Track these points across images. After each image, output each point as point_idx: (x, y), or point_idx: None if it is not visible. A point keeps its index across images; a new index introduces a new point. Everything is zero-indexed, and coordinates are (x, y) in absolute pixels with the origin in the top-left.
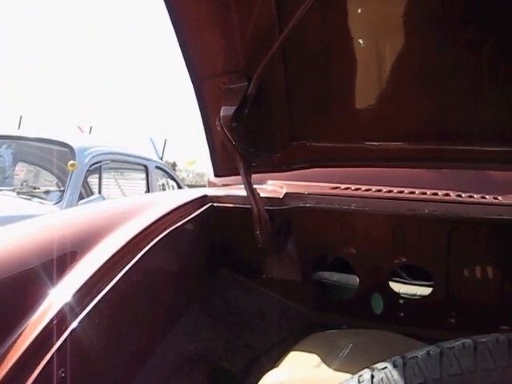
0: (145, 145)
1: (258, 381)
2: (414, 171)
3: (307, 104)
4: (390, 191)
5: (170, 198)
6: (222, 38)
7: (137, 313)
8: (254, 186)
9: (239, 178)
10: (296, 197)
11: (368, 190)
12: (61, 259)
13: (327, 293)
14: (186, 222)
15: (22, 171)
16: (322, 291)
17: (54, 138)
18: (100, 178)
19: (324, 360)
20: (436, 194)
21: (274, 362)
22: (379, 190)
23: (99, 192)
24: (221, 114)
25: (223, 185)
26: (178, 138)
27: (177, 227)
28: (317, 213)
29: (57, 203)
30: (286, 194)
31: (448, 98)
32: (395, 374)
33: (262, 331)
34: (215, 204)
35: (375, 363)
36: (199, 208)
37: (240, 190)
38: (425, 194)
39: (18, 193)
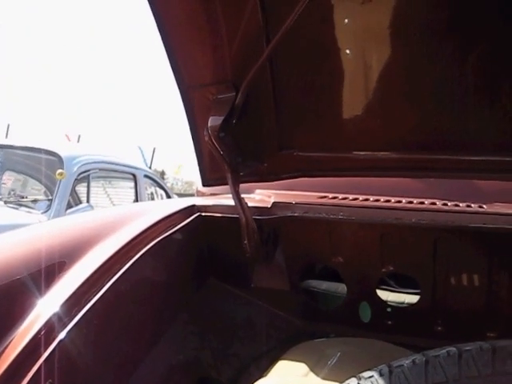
0: (134, 153)
1: None
2: (401, 180)
3: (295, 114)
4: (377, 200)
5: (158, 208)
6: (210, 49)
7: (125, 323)
8: (242, 196)
9: (227, 187)
10: (284, 206)
11: (355, 199)
12: (49, 269)
13: (316, 301)
14: (174, 232)
15: (9, 180)
16: (311, 300)
17: (42, 147)
18: (88, 187)
19: (312, 369)
20: (422, 203)
21: (262, 371)
22: (366, 199)
23: (87, 201)
24: (209, 124)
25: (212, 194)
26: (166, 146)
27: (165, 237)
28: (304, 222)
29: (45, 212)
30: (273, 203)
31: (434, 108)
32: (381, 383)
33: (250, 340)
34: (203, 213)
35: (362, 372)
36: (187, 218)
37: (228, 200)
38: (411, 202)
39: (6, 202)
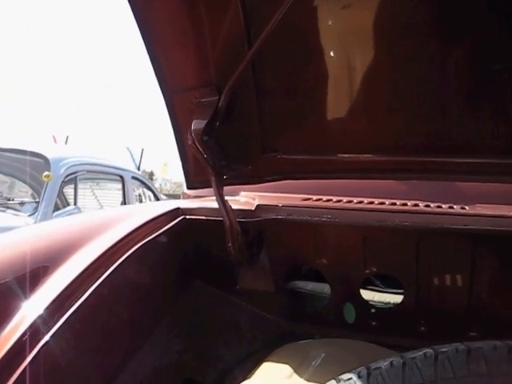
0: (122, 154)
1: None
2: (385, 182)
3: (278, 117)
4: (361, 202)
5: (143, 211)
6: (193, 53)
7: (109, 327)
8: (228, 198)
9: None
10: (268, 209)
11: (339, 201)
12: (32, 274)
13: (302, 302)
14: (158, 235)
15: None
16: (297, 301)
17: (29, 149)
18: (76, 189)
19: (296, 370)
20: (405, 205)
21: (246, 374)
22: (350, 201)
23: (75, 203)
24: (192, 128)
25: (197, 196)
26: (155, 147)
27: (149, 240)
28: (288, 224)
29: (31, 215)
30: (257, 205)
31: (418, 111)
32: None
33: (235, 343)
34: (188, 216)
35: (341, 374)
36: (172, 221)
37: (213, 202)
38: (394, 204)
39: None
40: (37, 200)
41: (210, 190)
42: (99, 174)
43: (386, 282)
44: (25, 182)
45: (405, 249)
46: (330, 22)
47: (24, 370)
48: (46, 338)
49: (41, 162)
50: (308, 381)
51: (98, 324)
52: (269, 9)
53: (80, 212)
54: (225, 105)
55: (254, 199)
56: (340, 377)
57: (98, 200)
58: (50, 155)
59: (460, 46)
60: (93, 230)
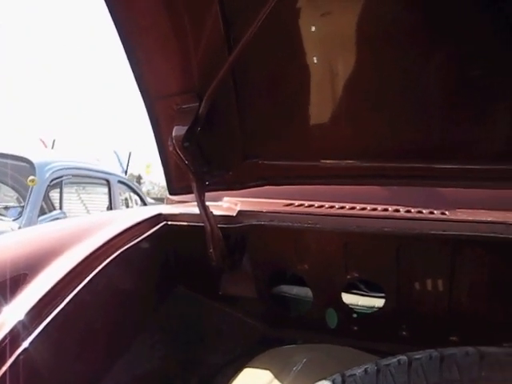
0: (110, 158)
1: None
2: (368, 188)
3: (259, 123)
4: (343, 207)
5: (124, 217)
6: (174, 60)
7: (89, 334)
8: (210, 204)
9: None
10: (249, 214)
11: (321, 206)
12: (12, 281)
13: (285, 307)
14: (139, 241)
15: None
16: (280, 306)
17: (14, 153)
18: (61, 194)
19: (277, 376)
20: (386, 210)
21: (228, 380)
22: (332, 207)
23: (60, 207)
24: (173, 134)
25: (181, 201)
26: (143, 150)
27: (130, 246)
28: (270, 230)
29: (16, 219)
30: (239, 211)
31: (399, 116)
32: None
33: (218, 348)
34: (169, 222)
35: (317, 381)
36: (153, 227)
37: (195, 208)
38: (375, 210)
39: None
40: (22, 204)
41: (194, 196)
42: (85, 178)
43: (370, 286)
44: (10, 187)
45: (385, 254)
46: (310, 29)
47: (2, 378)
48: (25, 345)
49: (26, 167)
50: None
51: (78, 331)
52: (248, 16)
53: (65, 216)
54: (205, 111)
55: (236, 205)
56: None
57: (84, 204)
58: (35, 159)
59: (441, 51)
60: (73, 236)
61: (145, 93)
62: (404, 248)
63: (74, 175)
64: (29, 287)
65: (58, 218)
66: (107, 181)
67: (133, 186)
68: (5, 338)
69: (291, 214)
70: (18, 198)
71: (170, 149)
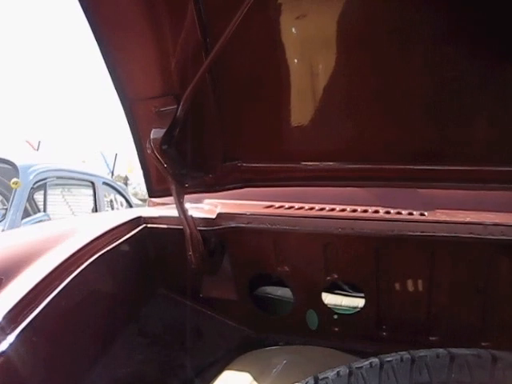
0: (96, 159)
1: None
2: (349, 189)
3: (239, 125)
4: (322, 209)
5: (104, 220)
6: (151, 62)
7: (67, 337)
8: (191, 206)
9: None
10: (228, 217)
11: (300, 208)
12: None
13: (267, 309)
14: (119, 244)
15: None
16: (262, 308)
17: None
18: (45, 196)
19: (257, 378)
20: (366, 212)
21: (208, 382)
22: (311, 209)
23: (44, 210)
24: (151, 137)
25: (163, 204)
26: (130, 151)
27: (109, 250)
28: (249, 232)
29: None
30: (218, 214)
31: (379, 118)
32: None
33: (198, 351)
34: (149, 225)
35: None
36: (133, 229)
37: (176, 210)
38: (355, 211)
39: None
40: (5, 207)
41: None
42: (70, 179)
43: (354, 287)
44: None
45: (365, 255)
46: (287, 31)
47: None
48: (1, 349)
49: (9, 169)
50: None
51: (55, 335)
52: (224, 18)
53: (49, 219)
54: (183, 114)
55: (216, 207)
56: None
57: (69, 206)
58: (18, 162)
59: (419, 53)
60: (51, 240)
61: (122, 95)
62: (383, 249)
63: (58, 177)
64: (4, 292)
65: (41, 221)
66: (92, 182)
67: (118, 187)
68: None
69: (270, 216)
70: (1, 201)
71: (149, 151)
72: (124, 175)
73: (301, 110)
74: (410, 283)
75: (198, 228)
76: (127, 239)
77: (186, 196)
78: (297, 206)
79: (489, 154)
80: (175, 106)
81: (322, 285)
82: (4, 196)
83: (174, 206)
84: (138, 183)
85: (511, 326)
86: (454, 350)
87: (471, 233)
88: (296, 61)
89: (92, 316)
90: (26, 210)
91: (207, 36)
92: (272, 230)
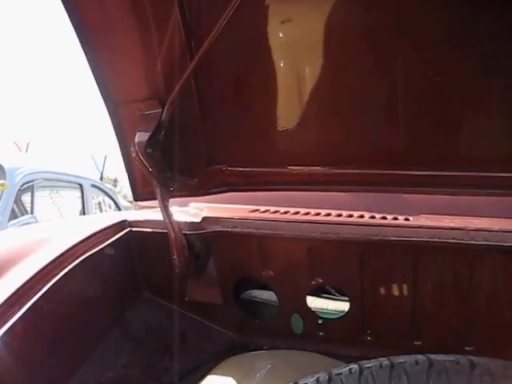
0: (86, 161)
1: None
2: (335, 194)
3: (224, 129)
4: (307, 213)
5: (88, 224)
6: (136, 66)
7: (49, 341)
8: (177, 210)
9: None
10: (213, 221)
11: (286, 212)
12: None
13: (252, 313)
14: (103, 248)
15: None
16: (247, 312)
17: None
18: (32, 198)
19: (240, 382)
20: (351, 216)
21: None
22: (297, 213)
23: (31, 212)
24: (135, 141)
25: (150, 207)
26: (119, 154)
27: (93, 253)
28: (233, 236)
29: None
30: (203, 218)
31: (365, 122)
32: None
33: (183, 355)
34: (134, 229)
35: None
36: (117, 233)
37: (161, 214)
38: (340, 216)
39: None
40: None
41: None
42: (57, 182)
43: (340, 290)
44: None
45: (349, 260)
46: (270, 36)
47: None
48: None
49: None
50: None
51: (36, 340)
52: (208, 23)
53: (36, 221)
54: (168, 117)
55: (201, 211)
56: None
57: (57, 208)
58: (5, 163)
59: (403, 57)
60: (34, 243)
61: (107, 98)
62: (367, 254)
63: (45, 179)
64: None
65: (28, 223)
66: (80, 185)
67: (106, 189)
68: None
69: (255, 220)
70: None
71: (133, 155)
72: (113, 177)
73: (286, 114)
74: (394, 288)
75: (183, 232)
76: (112, 243)
77: (173, 200)
78: (282, 210)
79: (473, 159)
80: (160, 110)
81: (306, 289)
82: None
83: (157, 209)
84: (127, 185)
85: (494, 330)
86: (432, 357)
87: (454, 238)
88: (281, 65)
89: (75, 320)
90: (13, 211)
91: (192, 40)
92: (257, 234)
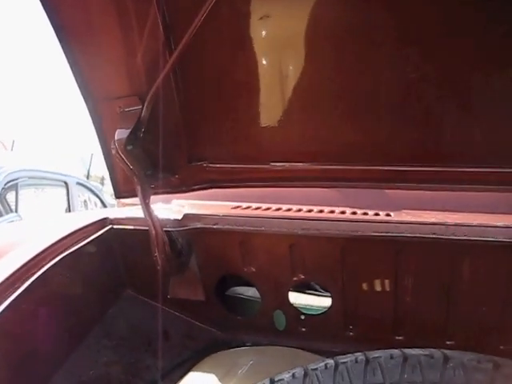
0: (73, 159)
1: None
2: (317, 190)
3: (205, 126)
4: (289, 210)
5: (69, 221)
6: (115, 62)
7: (31, 340)
8: (159, 206)
9: (151, 197)
10: (194, 218)
11: (268, 208)
12: None
13: (235, 310)
14: (84, 245)
15: None
16: (230, 308)
17: None
18: (17, 196)
19: (222, 379)
20: (333, 212)
21: None
22: (278, 209)
23: (16, 210)
24: (115, 138)
25: (133, 204)
26: None
27: (74, 251)
28: (215, 233)
29: None
30: (185, 214)
31: (347, 118)
32: None
33: (165, 352)
34: (115, 226)
35: None
36: (98, 230)
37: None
38: (322, 212)
39: None
40: None
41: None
42: (42, 179)
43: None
44: None
45: (330, 256)
46: (249, 32)
47: None
48: None
49: None
50: None
51: (16, 338)
52: (187, 18)
53: (21, 219)
54: (148, 114)
55: (183, 208)
56: None
57: (42, 206)
58: None
59: (380, 56)
60: (13, 242)
61: (86, 95)
62: (348, 249)
63: (30, 177)
64: None
65: (13, 221)
66: (65, 182)
67: (92, 187)
68: None
69: (237, 216)
70: None
71: (113, 152)
72: (101, 175)
73: (268, 110)
74: (375, 283)
75: (165, 229)
76: (92, 240)
77: (155, 197)
78: (264, 206)
79: (454, 155)
80: (140, 107)
81: (288, 285)
82: None
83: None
84: None
85: (475, 324)
86: (407, 351)
87: (434, 233)
88: (260, 61)
89: (56, 318)
90: None
91: (171, 35)
92: (238, 230)
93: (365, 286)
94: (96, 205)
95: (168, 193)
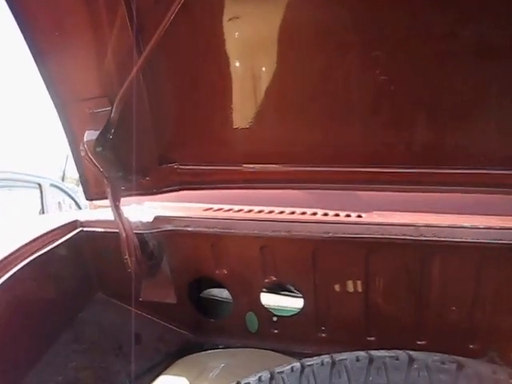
0: (48, 161)
1: None
2: (289, 192)
3: (175, 127)
4: (261, 212)
5: (38, 224)
6: (84, 63)
7: None
8: (132, 209)
9: (124, 199)
10: (166, 220)
11: (239, 210)
12: None
13: (208, 312)
14: (52, 248)
15: None
16: (203, 311)
17: None
18: None
19: (193, 382)
20: (304, 214)
21: None
22: (250, 211)
23: None
24: (84, 139)
25: (106, 206)
26: None
27: (42, 254)
28: (186, 235)
29: None
30: (156, 217)
31: (320, 120)
32: None
33: (137, 356)
34: (85, 229)
35: None
36: (68, 233)
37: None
38: (293, 213)
39: None
40: None
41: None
42: (15, 181)
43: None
44: None
45: (301, 258)
46: (219, 33)
47: None
48: None
49: None
50: None
51: None
52: (156, 18)
53: None
54: (117, 115)
55: (154, 210)
56: None
57: (14, 208)
58: None
59: (349, 56)
60: None
61: (54, 96)
62: (320, 251)
63: (2, 179)
64: None
65: None
66: (39, 184)
67: (66, 189)
68: None
69: (208, 218)
70: None
71: (82, 154)
72: (76, 177)
73: (238, 112)
74: (347, 285)
75: (135, 231)
76: (62, 243)
77: (126, 199)
78: (236, 208)
79: (425, 156)
80: (109, 108)
81: (260, 287)
82: None
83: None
84: None
85: (445, 323)
86: (373, 353)
87: (404, 234)
88: (231, 62)
89: (24, 323)
90: None
91: (140, 36)
92: (209, 232)
93: (336, 287)
94: (70, 207)
95: (139, 195)
